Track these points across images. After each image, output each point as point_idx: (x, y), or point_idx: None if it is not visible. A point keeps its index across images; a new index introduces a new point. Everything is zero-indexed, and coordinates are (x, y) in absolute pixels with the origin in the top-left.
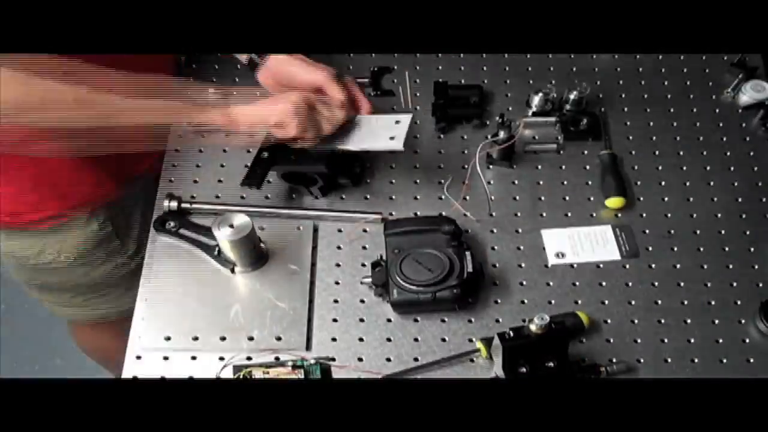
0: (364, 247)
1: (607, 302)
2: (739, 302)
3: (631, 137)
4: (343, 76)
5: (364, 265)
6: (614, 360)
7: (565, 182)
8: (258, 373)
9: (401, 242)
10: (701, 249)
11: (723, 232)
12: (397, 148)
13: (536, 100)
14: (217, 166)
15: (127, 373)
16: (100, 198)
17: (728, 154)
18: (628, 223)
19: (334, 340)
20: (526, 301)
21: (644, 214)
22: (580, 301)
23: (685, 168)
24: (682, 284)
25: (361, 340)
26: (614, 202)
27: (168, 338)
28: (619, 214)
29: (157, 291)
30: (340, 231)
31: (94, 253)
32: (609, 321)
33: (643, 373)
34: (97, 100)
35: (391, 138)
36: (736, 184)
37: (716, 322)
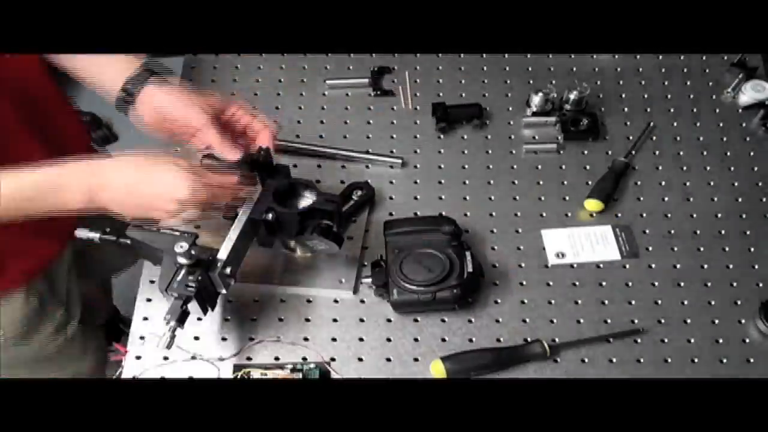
0: (364, 247)
1: (607, 302)
2: (739, 302)
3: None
4: (230, 107)
5: (364, 265)
6: (614, 360)
7: (565, 182)
8: (256, 374)
9: (401, 242)
10: (701, 249)
11: (723, 232)
12: (346, 293)
13: (536, 100)
14: None
15: (127, 373)
16: (33, 269)
17: (728, 154)
18: (628, 223)
19: (334, 340)
20: (526, 301)
21: (644, 214)
22: (580, 301)
23: (685, 168)
24: (682, 284)
25: (361, 340)
26: (593, 204)
27: None
28: (620, 214)
29: (158, 291)
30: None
31: (40, 328)
32: (609, 321)
33: (644, 373)
34: None
35: (341, 281)
36: (736, 184)
37: (716, 322)
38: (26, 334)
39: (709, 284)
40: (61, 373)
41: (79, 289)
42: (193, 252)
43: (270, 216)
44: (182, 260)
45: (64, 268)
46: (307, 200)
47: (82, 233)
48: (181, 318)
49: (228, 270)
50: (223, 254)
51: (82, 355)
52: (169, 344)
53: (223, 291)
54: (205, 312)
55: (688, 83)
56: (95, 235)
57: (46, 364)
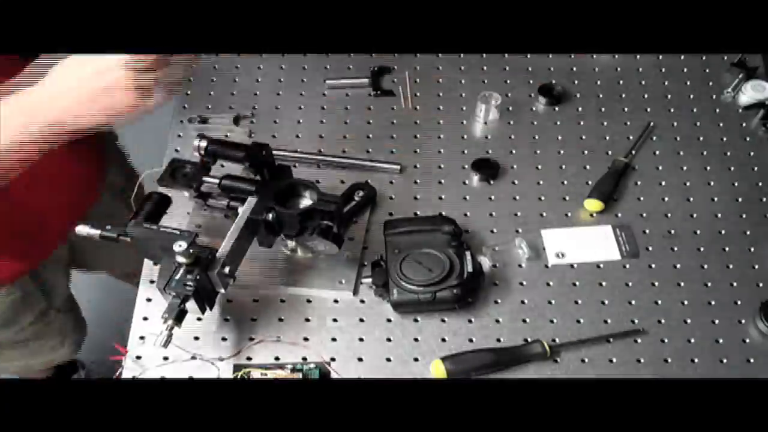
0: (364, 247)
1: (607, 302)
2: (739, 302)
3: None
4: None
5: (364, 264)
6: (614, 360)
7: (565, 182)
8: (256, 374)
9: (401, 242)
10: (701, 249)
11: (723, 232)
12: (346, 294)
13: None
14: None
15: (127, 374)
16: (22, 269)
17: (728, 154)
18: (628, 223)
19: (334, 340)
20: (526, 301)
21: (644, 214)
22: (580, 301)
23: (685, 168)
24: (682, 284)
25: (361, 340)
26: (593, 204)
27: None
28: (620, 214)
29: (158, 290)
30: None
31: (19, 317)
32: (609, 321)
33: (644, 373)
34: None
35: (341, 281)
36: (736, 184)
37: (716, 322)
38: (5, 323)
39: (709, 284)
40: (32, 360)
41: (66, 283)
42: (191, 251)
43: (270, 216)
44: (181, 259)
45: (53, 267)
46: (307, 200)
47: (82, 230)
48: (179, 317)
49: (227, 269)
50: (222, 254)
51: (58, 343)
52: (166, 343)
53: (222, 290)
54: (203, 311)
55: (688, 83)
56: (96, 232)
57: (18, 349)
